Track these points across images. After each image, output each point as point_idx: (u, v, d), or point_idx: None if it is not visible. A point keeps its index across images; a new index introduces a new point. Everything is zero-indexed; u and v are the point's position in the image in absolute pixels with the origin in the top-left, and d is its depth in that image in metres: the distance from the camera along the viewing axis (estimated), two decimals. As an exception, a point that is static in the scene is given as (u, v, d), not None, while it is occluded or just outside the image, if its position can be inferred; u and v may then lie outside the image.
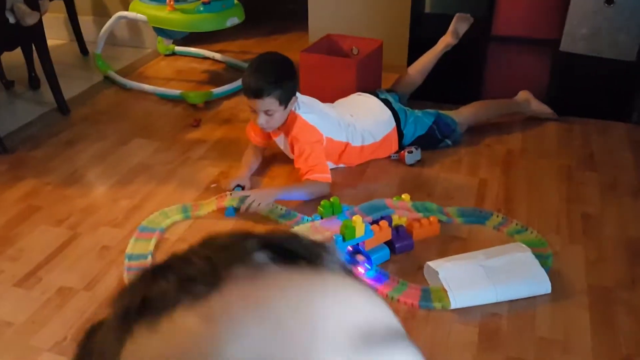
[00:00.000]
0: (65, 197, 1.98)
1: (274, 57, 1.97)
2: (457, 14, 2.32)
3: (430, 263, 1.57)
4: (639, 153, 2.19)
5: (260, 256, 0.25)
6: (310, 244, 0.27)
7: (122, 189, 2.03)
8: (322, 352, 0.22)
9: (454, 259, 1.59)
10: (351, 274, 0.27)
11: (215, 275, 0.24)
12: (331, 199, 1.80)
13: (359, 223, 1.61)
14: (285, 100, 1.90)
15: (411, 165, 2.11)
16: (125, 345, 0.24)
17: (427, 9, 2.48)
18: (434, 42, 2.36)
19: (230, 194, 1.90)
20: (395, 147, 2.16)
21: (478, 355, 1.38)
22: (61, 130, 2.42)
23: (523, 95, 2.38)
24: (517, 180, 2.04)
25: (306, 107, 1.99)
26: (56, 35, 3.21)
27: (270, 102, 1.87)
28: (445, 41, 2.34)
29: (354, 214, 1.72)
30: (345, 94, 2.25)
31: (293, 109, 1.95)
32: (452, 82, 2.50)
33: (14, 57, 2.59)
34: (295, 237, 0.28)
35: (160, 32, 2.77)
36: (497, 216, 1.83)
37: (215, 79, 2.87)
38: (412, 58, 2.46)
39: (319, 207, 1.80)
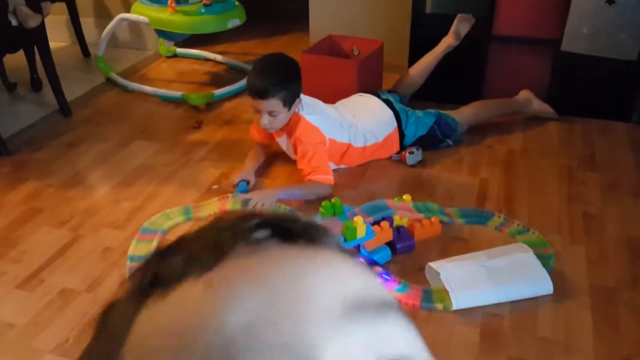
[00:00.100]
0: (67, 199, 1.99)
1: (280, 58, 1.97)
2: (458, 15, 2.32)
3: (431, 264, 1.57)
4: (639, 153, 2.19)
5: (261, 233, 0.27)
6: (309, 224, 0.29)
7: (124, 190, 2.03)
8: (315, 317, 0.23)
9: (455, 259, 1.59)
10: (347, 252, 0.29)
11: (219, 252, 0.26)
12: (332, 200, 1.80)
13: (360, 224, 1.61)
14: (289, 101, 1.90)
15: (412, 165, 2.11)
16: (139, 315, 0.26)
17: (428, 10, 2.48)
18: (435, 43, 2.36)
19: (235, 186, 1.98)
20: (396, 147, 2.16)
21: (480, 355, 1.38)
22: (63, 132, 2.43)
23: (524, 94, 2.38)
24: (518, 180, 2.04)
25: (309, 108, 1.99)
26: (58, 37, 3.21)
27: (274, 103, 1.87)
28: (447, 42, 2.33)
29: (355, 214, 1.73)
30: (346, 94, 2.25)
31: (297, 110, 1.96)
32: (453, 82, 2.49)
33: (16, 59, 2.60)
34: (296, 217, 0.30)
35: (161, 34, 2.77)
36: (499, 217, 1.82)
37: (217, 80, 2.87)
38: (413, 59, 2.46)
39: (320, 208, 1.80)
